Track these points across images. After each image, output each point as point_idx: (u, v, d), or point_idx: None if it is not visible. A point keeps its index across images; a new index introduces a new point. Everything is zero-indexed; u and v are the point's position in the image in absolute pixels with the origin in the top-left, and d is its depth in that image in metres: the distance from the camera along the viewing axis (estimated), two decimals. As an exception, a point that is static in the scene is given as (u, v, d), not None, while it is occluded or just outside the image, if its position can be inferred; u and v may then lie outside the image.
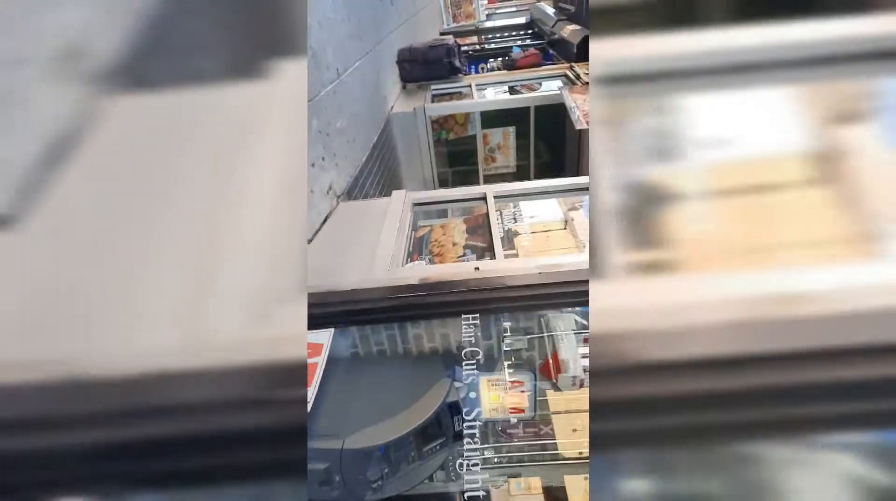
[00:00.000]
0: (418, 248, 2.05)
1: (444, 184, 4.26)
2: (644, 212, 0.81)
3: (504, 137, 3.99)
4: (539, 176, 4.18)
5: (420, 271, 1.59)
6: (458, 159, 4.32)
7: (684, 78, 0.92)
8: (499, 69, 5.82)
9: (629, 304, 0.72)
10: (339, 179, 2.35)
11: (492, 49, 5.54)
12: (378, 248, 1.76)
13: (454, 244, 2.00)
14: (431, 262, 1.92)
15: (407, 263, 1.81)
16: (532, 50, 4.49)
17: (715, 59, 0.91)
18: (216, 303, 0.71)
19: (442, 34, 6.95)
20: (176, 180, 0.83)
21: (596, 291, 0.74)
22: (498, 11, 8.81)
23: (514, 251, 1.86)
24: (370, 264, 1.67)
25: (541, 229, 2.03)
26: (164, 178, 0.83)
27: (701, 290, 0.71)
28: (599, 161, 0.85)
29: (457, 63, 4.05)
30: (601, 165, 0.85)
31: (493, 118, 3.89)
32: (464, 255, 1.90)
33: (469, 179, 4.28)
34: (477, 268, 1.55)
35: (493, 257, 1.77)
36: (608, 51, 0.92)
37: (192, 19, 0.99)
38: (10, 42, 0.86)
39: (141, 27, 0.94)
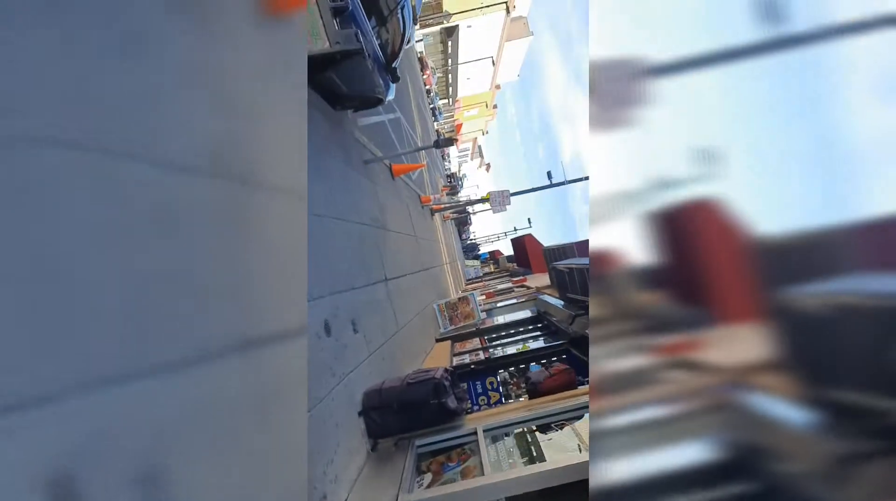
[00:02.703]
0: None
1: None
2: None
3: (553, 541, 2.16)
4: None
5: None
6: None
7: None
8: (510, 382, 4.47)
9: None
10: None
11: (498, 359, 4.33)
12: None
13: None
14: None
15: None
16: (559, 366, 3.17)
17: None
18: None
19: (438, 340, 5.97)
20: None
21: None
22: (498, 306, 8.30)
23: None
24: None
25: None
26: None
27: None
28: None
29: (450, 404, 2.63)
30: None
31: (527, 510, 2.17)
32: None
33: None
34: None
35: None
36: None
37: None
38: None
39: None
